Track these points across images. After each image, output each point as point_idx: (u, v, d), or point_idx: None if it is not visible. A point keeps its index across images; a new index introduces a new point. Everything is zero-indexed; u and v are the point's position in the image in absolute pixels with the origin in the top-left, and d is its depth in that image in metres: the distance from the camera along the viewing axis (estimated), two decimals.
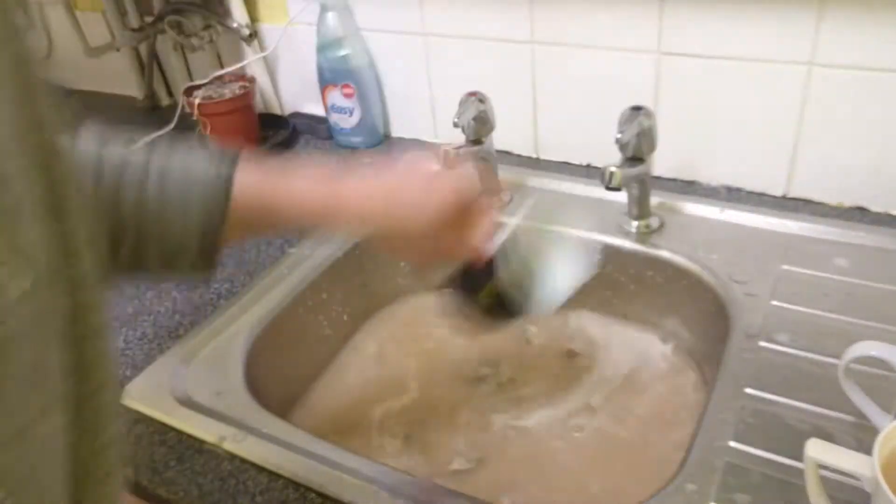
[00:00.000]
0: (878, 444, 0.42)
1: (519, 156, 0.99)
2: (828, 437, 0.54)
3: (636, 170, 0.73)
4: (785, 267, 0.72)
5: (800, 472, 0.48)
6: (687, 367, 0.78)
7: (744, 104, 0.80)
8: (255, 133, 1.11)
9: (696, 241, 0.77)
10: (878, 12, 0.69)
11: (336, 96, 1.04)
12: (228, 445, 0.60)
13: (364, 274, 0.88)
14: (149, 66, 1.28)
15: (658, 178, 0.89)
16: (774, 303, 0.68)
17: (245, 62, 1.12)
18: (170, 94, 1.35)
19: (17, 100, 0.27)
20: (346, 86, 1.02)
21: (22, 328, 0.25)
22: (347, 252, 0.85)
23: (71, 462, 0.30)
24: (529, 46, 0.90)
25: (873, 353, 0.51)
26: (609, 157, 0.74)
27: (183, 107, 1.15)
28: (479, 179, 0.53)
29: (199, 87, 1.09)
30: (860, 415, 0.54)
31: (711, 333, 0.71)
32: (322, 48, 1.01)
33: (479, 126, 0.81)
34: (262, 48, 1.13)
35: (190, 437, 0.62)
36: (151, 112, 1.32)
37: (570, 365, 0.80)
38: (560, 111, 0.93)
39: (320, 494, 0.55)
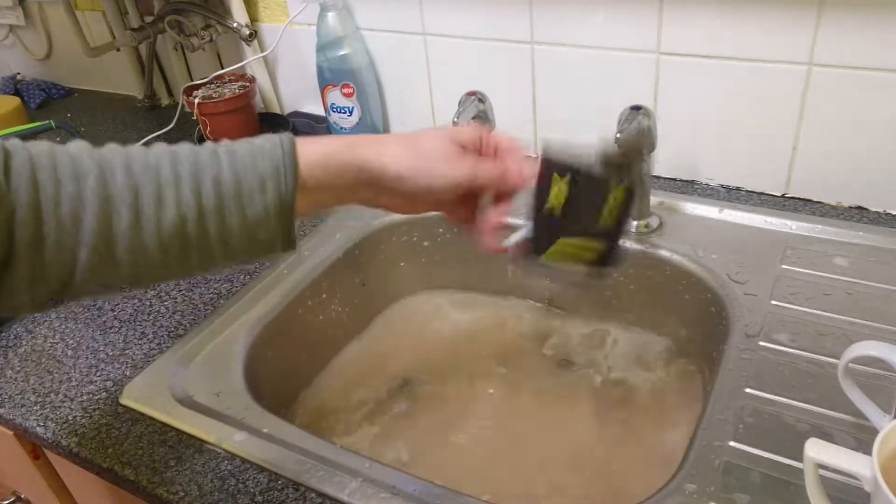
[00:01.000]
0: (878, 444, 0.42)
1: None
2: (828, 437, 0.54)
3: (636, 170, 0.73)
4: (784, 267, 0.72)
5: (800, 472, 0.48)
6: (686, 367, 0.78)
7: (744, 104, 0.80)
8: (254, 133, 1.10)
9: (695, 240, 0.77)
10: (878, 12, 0.69)
11: (336, 96, 1.04)
12: (228, 445, 0.60)
13: (364, 274, 0.89)
14: (149, 65, 1.28)
15: (657, 177, 0.89)
16: (774, 303, 0.68)
17: (245, 62, 1.12)
18: (170, 93, 1.35)
19: None
20: (346, 86, 1.02)
21: None
22: (347, 252, 0.85)
23: None
24: (529, 46, 0.90)
25: (873, 353, 0.51)
26: None
27: (183, 106, 1.15)
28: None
29: (199, 86, 1.09)
30: (860, 415, 0.54)
31: (711, 333, 0.71)
32: (322, 48, 1.01)
33: (479, 125, 0.81)
34: (262, 48, 1.13)
35: (190, 437, 0.62)
36: (151, 111, 1.33)
37: (570, 365, 0.81)
38: (560, 111, 0.93)
39: (320, 494, 0.55)
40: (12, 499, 0.89)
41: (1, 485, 0.91)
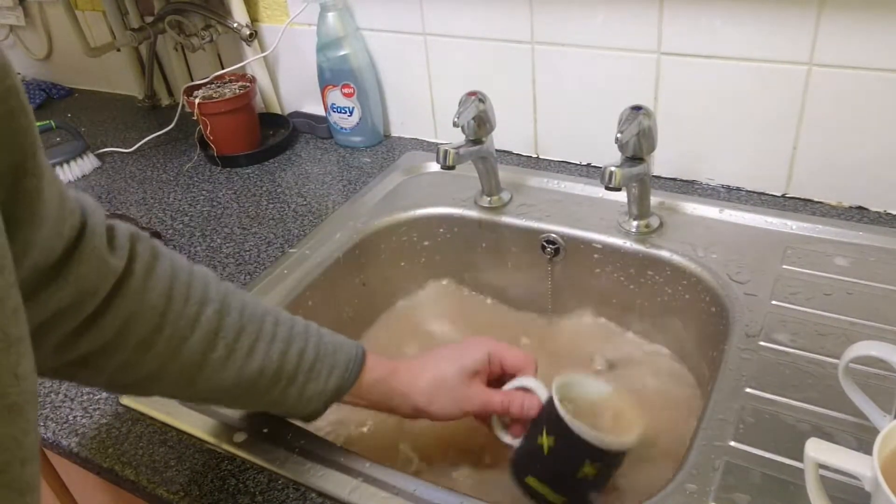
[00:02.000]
0: (878, 444, 0.42)
1: (519, 155, 0.99)
2: (828, 437, 0.54)
3: (636, 169, 0.73)
4: (785, 267, 0.72)
5: (800, 472, 0.48)
6: (686, 367, 0.78)
7: (744, 104, 0.80)
8: (255, 133, 1.11)
9: (695, 240, 0.77)
10: (877, 13, 0.69)
11: (336, 96, 1.04)
12: (228, 445, 0.60)
13: (364, 274, 0.89)
14: (149, 65, 1.28)
15: (658, 177, 0.89)
16: (774, 302, 0.68)
17: (245, 62, 1.12)
18: (170, 93, 1.35)
19: None
20: (346, 86, 1.02)
21: None
22: (347, 252, 0.85)
23: None
24: (529, 46, 0.90)
25: (873, 353, 0.51)
26: (609, 157, 0.74)
27: (183, 106, 1.15)
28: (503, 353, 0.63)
29: (199, 86, 1.09)
30: (860, 415, 0.54)
31: (711, 333, 0.71)
32: (322, 48, 1.01)
33: (478, 126, 0.81)
34: (262, 48, 1.13)
35: (190, 436, 0.62)
36: (151, 112, 1.33)
37: (569, 364, 0.80)
38: (560, 111, 0.93)
39: (320, 494, 0.55)
40: None
41: None
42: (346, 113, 1.05)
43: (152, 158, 1.14)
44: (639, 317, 0.82)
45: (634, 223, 0.80)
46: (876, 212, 0.79)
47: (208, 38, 1.13)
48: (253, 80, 1.11)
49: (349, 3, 1.00)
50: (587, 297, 0.85)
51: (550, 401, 0.58)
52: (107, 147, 1.18)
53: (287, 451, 0.59)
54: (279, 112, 1.19)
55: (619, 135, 0.71)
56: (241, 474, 0.58)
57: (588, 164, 0.95)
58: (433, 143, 1.06)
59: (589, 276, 0.83)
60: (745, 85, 0.79)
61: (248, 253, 0.86)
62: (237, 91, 1.07)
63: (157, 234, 0.90)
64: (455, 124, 0.79)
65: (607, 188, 0.71)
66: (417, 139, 1.08)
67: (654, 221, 0.80)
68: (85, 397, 0.68)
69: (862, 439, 0.53)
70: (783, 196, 0.83)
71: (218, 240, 0.89)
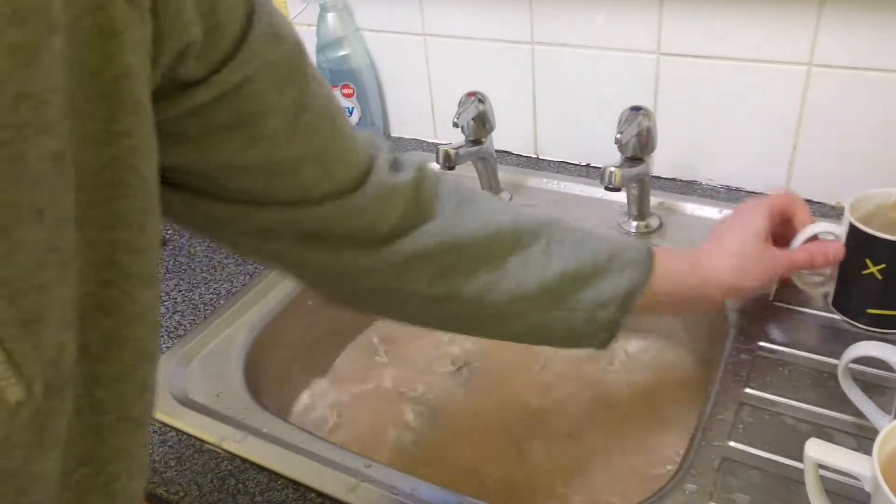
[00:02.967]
0: (878, 444, 0.42)
1: (518, 156, 0.99)
2: (828, 437, 0.54)
3: (636, 170, 0.73)
4: None
5: (800, 472, 0.48)
6: (686, 367, 0.78)
7: (744, 104, 0.80)
8: None
9: (695, 241, 0.77)
10: (877, 13, 0.69)
11: (336, 96, 1.04)
12: (228, 445, 0.60)
13: None
14: None
15: (657, 178, 0.89)
16: (774, 303, 0.68)
17: None
18: None
19: (94, 197, 0.28)
20: (346, 86, 1.02)
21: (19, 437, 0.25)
22: None
23: None
24: (529, 46, 0.90)
25: (873, 353, 0.51)
26: (609, 157, 0.74)
27: None
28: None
29: None
30: (860, 415, 0.54)
31: (711, 333, 0.71)
32: (322, 48, 1.01)
33: (478, 126, 0.81)
34: None
35: (190, 437, 0.62)
36: None
37: (569, 364, 0.80)
38: (560, 111, 0.93)
39: (320, 494, 0.55)
40: None
41: None
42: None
43: None
44: (638, 316, 0.82)
45: (634, 223, 0.80)
46: None
47: None
48: None
49: (349, 3, 1.00)
50: None
51: (858, 231, 0.59)
52: None
53: (287, 451, 0.59)
54: None
55: (618, 135, 0.71)
56: (241, 474, 0.58)
57: (588, 165, 0.95)
58: (433, 143, 1.06)
59: None
60: (744, 85, 0.79)
61: None
62: None
63: None
64: (455, 124, 0.79)
65: (607, 188, 0.71)
66: (417, 139, 1.08)
67: (654, 222, 0.80)
68: None
69: (862, 439, 0.53)
70: None
71: None
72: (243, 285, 0.80)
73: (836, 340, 0.63)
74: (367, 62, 1.03)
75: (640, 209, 0.79)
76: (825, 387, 0.58)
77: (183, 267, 0.84)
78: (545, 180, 0.92)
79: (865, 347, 0.52)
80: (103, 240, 0.29)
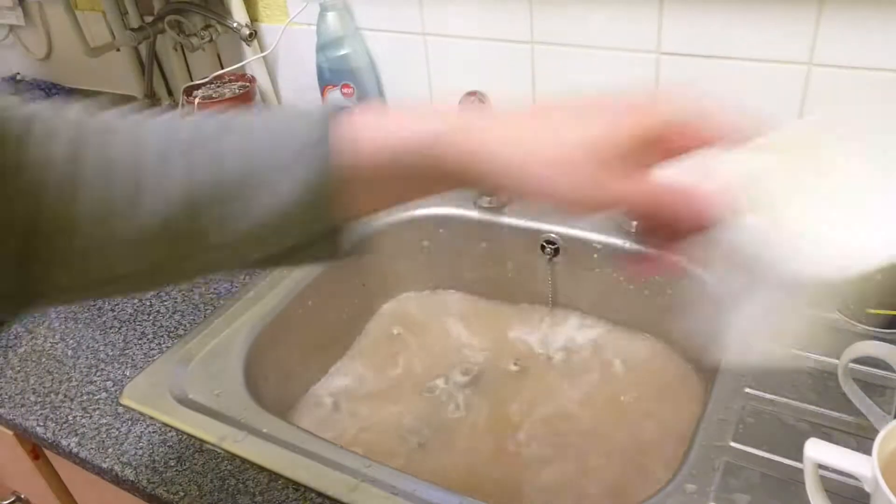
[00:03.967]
0: (878, 444, 0.42)
1: None
2: (828, 437, 0.54)
3: None
4: None
5: (800, 472, 0.48)
6: (686, 367, 0.78)
7: (743, 104, 0.80)
8: None
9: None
10: (878, 12, 0.69)
11: (336, 96, 1.04)
12: (228, 445, 0.60)
13: (364, 274, 0.89)
14: (149, 65, 1.28)
15: None
16: None
17: (245, 62, 1.12)
18: (170, 93, 1.34)
19: None
20: (346, 86, 1.02)
21: None
22: (347, 252, 0.85)
23: None
24: (529, 46, 0.90)
25: (873, 353, 0.51)
26: None
27: (183, 106, 1.15)
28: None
29: (199, 86, 1.09)
30: (860, 415, 0.54)
31: (711, 333, 0.71)
32: (322, 48, 1.01)
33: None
34: (262, 48, 1.13)
35: (190, 437, 0.62)
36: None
37: (569, 364, 0.80)
38: None
39: (320, 494, 0.55)
40: (12, 499, 0.89)
41: (1, 485, 0.91)
42: None
43: None
44: (638, 317, 0.82)
45: (634, 223, 0.80)
46: None
47: (208, 38, 1.13)
48: (252, 80, 1.11)
49: (349, 2, 1.00)
50: (586, 297, 0.85)
51: None
52: None
53: (287, 451, 0.59)
54: None
55: None
56: (241, 474, 0.58)
57: None
58: None
59: (589, 276, 0.83)
60: (745, 85, 0.79)
61: None
62: (237, 91, 1.07)
63: None
64: None
65: None
66: None
67: None
68: (85, 397, 0.68)
69: (862, 439, 0.53)
70: None
71: None
72: (243, 285, 0.80)
73: (836, 340, 0.62)
74: (367, 62, 1.03)
75: None
76: (825, 387, 0.58)
77: None
78: None
79: (865, 347, 0.52)
80: None
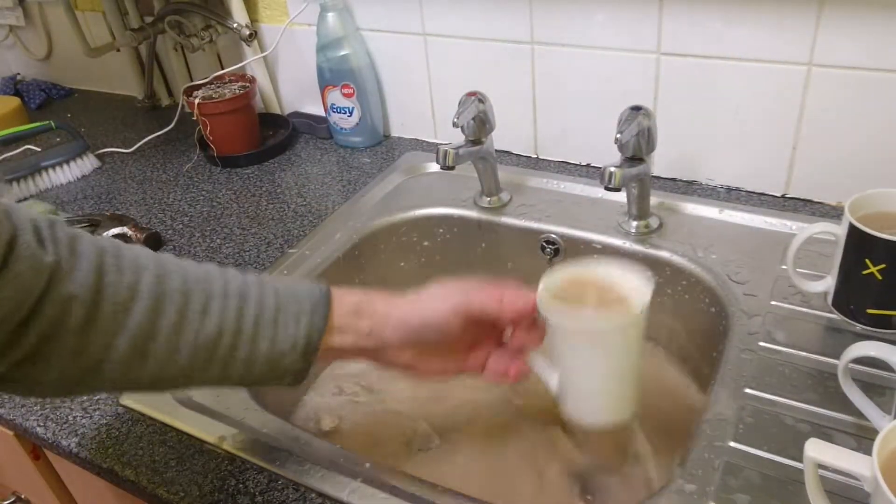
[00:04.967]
0: (878, 444, 0.42)
1: (518, 156, 0.99)
2: (828, 437, 0.54)
3: (636, 170, 0.73)
4: (785, 267, 0.72)
5: (800, 472, 0.48)
6: (686, 368, 0.78)
7: (743, 104, 0.80)
8: (255, 133, 1.11)
9: (695, 241, 0.77)
10: (877, 13, 0.69)
11: (336, 96, 1.04)
12: (228, 445, 0.60)
13: (364, 274, 0.89)
14: (149, 66, 1.28)
15: (657, 177, 0.89)
16: (774, 303, 0.68)
17: (245, 62, 1.12)
18: (170, 94, 1.35)
19: None
20: (346, 86, 1.02)
21: None
22: (347, 252, 0.85)
23: None
24: (529, 46, 0.90)
25: (873, 353, 0.51)
26: (609, 157, 0.74)
27: (183, 106, 1.15)
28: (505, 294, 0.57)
29: (199, 86, 1.09)
30: (860, 415, 0.54)
31: (711, 333, 0.71)
32: (322, 48, 1.01)
33: (478, 126, 0.81)
34: (262, 48, 1.13)
35: (190, 437, 0.62)
36: (151, 112, 1.33)
37: None
38: (560, 111, 0.93)
39: (320, 494, 0.55)
40: (12, 499, 0.89)
41: (1, 485, 0.91)
42: (345, 113, 1.05)
43: (152, 159, 1.14)
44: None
45: (634, 223, 0.80)
46: None
47: (208, 39, 1.13)
48: (253, 80, 1.11)
49: (349, 3, 1.01)
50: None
51: (858, 231, 0.59)
52: (107, 147, 1.18)
53: (287, 451, 0.59)
54: (279, 112, 1.19)
55: (618, 135, 0.71)
56: (241, 474, 0.58)
57: (588, 165, 0.95)
58: (433, 143, 1.06)
59: None
60: (744, 85, 0.79)
61: (247, 253, 0.86)
62: (237, 91, 1.07)
63: (156, 235, 0.89)
64: (455, 124, 0.79)
65: (607, 188, 0.71)
66: (417, 139, 1.08)
67: (654, 222, 0.80)
68: (85, 397, 0.68)
69: (862, 439, 0.53)
70: (783, 196, 0.83)
71: (218, 240, 0.89)
72: None
73: (836, 340, 0.63)
74: (367, 62, 1.03)
75: (640, 209, 0.79)
76: (825, 387, 0.58)
77: None
78: (545, 180, 0.92)
79: (865, 347, 0.52)
80: None
